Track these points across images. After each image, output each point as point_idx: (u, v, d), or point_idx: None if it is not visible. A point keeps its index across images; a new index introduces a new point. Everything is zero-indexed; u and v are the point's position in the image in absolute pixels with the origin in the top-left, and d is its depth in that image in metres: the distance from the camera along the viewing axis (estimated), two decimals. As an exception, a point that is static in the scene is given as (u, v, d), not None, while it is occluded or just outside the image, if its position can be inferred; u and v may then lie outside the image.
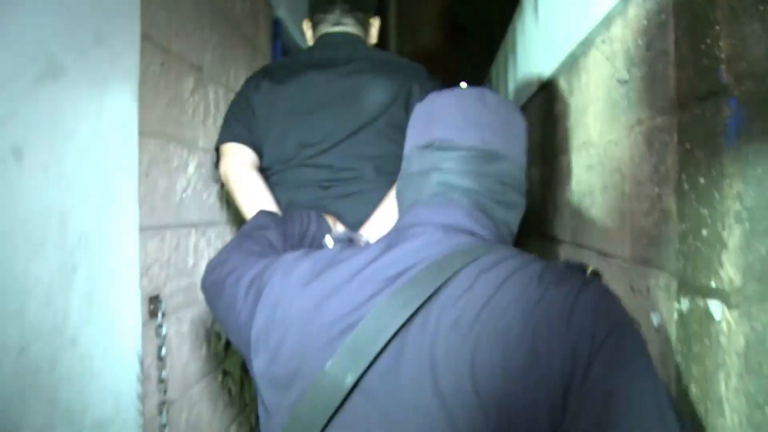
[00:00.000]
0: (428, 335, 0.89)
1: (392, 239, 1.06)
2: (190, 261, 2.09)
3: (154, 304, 1.78)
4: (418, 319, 0.91)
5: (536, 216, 2.27)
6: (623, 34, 1.26)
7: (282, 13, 3.36)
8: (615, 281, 1.30)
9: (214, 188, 2.29)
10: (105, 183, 1.51)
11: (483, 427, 0.81)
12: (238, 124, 2.05)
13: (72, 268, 1.37)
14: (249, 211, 1.94)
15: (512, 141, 1.17)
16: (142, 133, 1.69)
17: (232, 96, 2.43)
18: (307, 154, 1.98)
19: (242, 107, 2.07)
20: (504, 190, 1.13)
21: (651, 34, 1.11)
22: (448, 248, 1.00)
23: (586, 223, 1.60)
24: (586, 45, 1.56)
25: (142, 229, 1.70)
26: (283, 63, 2.25)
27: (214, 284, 1.24)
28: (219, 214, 2.34)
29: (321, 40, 2.12)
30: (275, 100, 2.00)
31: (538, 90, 2.18)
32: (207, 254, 2.22)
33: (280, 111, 2.00)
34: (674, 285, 0.99)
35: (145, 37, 1.70)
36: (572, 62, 1.72)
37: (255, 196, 1.98)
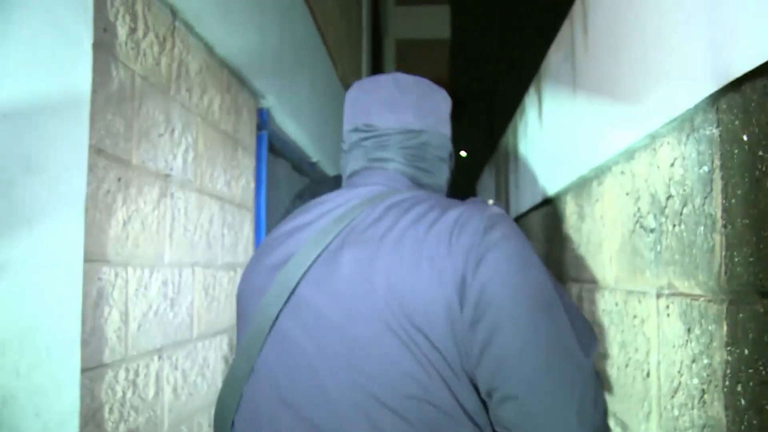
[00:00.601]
0: (342, 254, 1.06)
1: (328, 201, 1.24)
2: (151, 392, 1.84)
3: (99, 457, 1.53)
4: (334, 244, 1.09)
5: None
6: (649, 174, 1.06)
7: (269, 102, 3.19)
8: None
9: (184, 303, 2.06)
10: (43, 324, 1.29)
11: (387, 326, 0.97)
12: None
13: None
14: None
15: (428, 115, 1.29)
16: (90, 261, 1.48)
17: (206, 200, 2.23)
18: None
19: None
20: (425, 157, 1.28)
21: (689, 186, 0.90)
22: (367, 194, 1.19)
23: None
24: (601, 171, 1.36)
25: (87, 370, 1.47)
26: None
27: None
28: (189, 331, 2.10)
29: None
30: None
31: (542, 202, 1.98)
32: (173, 379, 1.98)
33: None
34: None
35: (97, 152, 1.51)
36: (583, 185, 1.52)
37: None
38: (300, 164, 4.12)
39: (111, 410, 1.61)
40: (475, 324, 0.92)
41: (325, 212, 1.18)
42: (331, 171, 5.25)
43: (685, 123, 0.93)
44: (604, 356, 1.37)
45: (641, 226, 1.13)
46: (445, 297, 0.94)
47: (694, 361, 0.88)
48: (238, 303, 1.26)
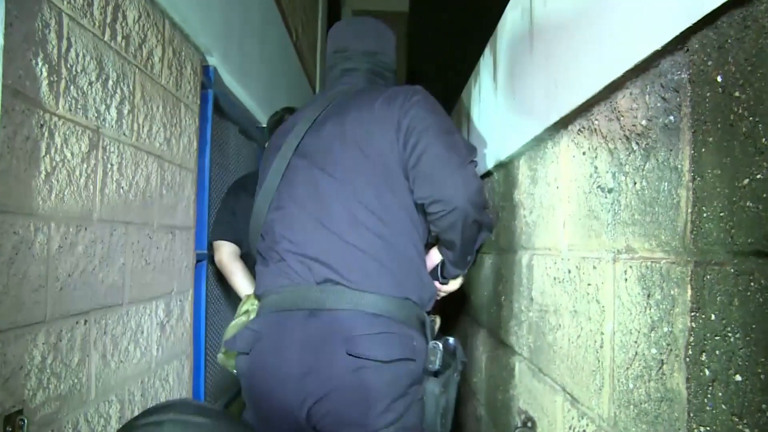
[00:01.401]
0: (325, 120, 1.82)
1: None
2: (75, 358, 1.72)
3: (11, 424, 1.41)
4: (321, 116, 1.85)
5: (487, 310, 1.98)
6: (609, 129, 0.99)
7: (215, 59, 3.04)
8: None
9: (115, 265, 1.94)
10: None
11: (355, 155, 1.70)
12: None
13: None
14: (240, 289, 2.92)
15: (383, 43, 2.04)
16: (4, 212, 1.35)
17: (143, 157, 2.10)
18: None
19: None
20: (382, 68, 2.00)
21: (653, 137, 0.83)
22: (342, 88, 1.93)
23: (549, 349, 1.31)
24: (555, 130, 1.29)
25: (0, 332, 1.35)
26: None
27: None
28: (120, 295, 1.98)
29: None
30: None
31: (494, 167, 1.91)
32: (101, 345, 1.86)
33: None
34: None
35: (13, 94, 1.37)
36: (537, 147, 1.45)
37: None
38: (248, 128, 3.97)
39: (27, 376, 1.49)
40: (407, 144, 1.61)
41: (315, 101, 1.95)
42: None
43: (650, 69, 0.86)
44: (555, 327, 1.31)
45: (598, 187, 1.06)
46: (389, 134, 1.65)
47: (652, 329, 0.82)
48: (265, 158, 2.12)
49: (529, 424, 1.49)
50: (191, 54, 2.65)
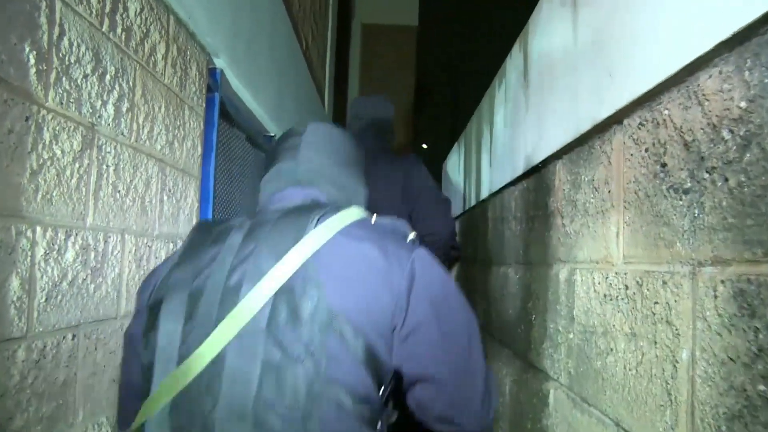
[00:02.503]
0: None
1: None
2: (61, 376, 1.56)
3: (-15, 453, 1.25)
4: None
5: (512, 330, 1.81)
6: (685, 118, 0.82)
7: (222, 62, 2.89)
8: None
9: (110, 275, 1.78)
10: None
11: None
12: None
13: None
14: None
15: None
16: (-18, 215, 1.20)
17: (143, 160, 1.95)
18: None
19: None
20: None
21: (757, 121, 0.67)
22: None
23: (596, 376, 1.14)
24: (606, 127, 1.12)
25: (-28, 350, 1.19)
26: None
27: None
28: (114, 307, 1.82)
29: None
30: None
31: (524, 174, 1.75)
32: (91, 361, 1.70)
33: None
34: None
35: (-4, 81, 1.22)
36: (581, 147, 1.29)
37: None
38: (256, 137, 3.83)
39: (3, 397, 1.33)
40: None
41: None
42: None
43: (751, 39, 0.70)
44: (605, 352, 1.14)
45: (670, 188, 0.90)
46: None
47: (757, 358, 0.65)
48: None
49: (570, 462, 1.32)
50: (197, 54, 2.51)
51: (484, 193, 2.44)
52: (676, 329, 0.87)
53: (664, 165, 0.93)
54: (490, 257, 2.39)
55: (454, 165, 3.67)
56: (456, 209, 3.51)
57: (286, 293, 1.11)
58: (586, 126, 1.20)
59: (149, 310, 1.31)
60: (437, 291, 1.18)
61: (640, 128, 1.01)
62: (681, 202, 0.87)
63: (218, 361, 1.11)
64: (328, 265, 1.14)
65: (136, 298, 1.47)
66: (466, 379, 1.18)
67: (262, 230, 1.27)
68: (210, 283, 1.22)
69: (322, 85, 8.07)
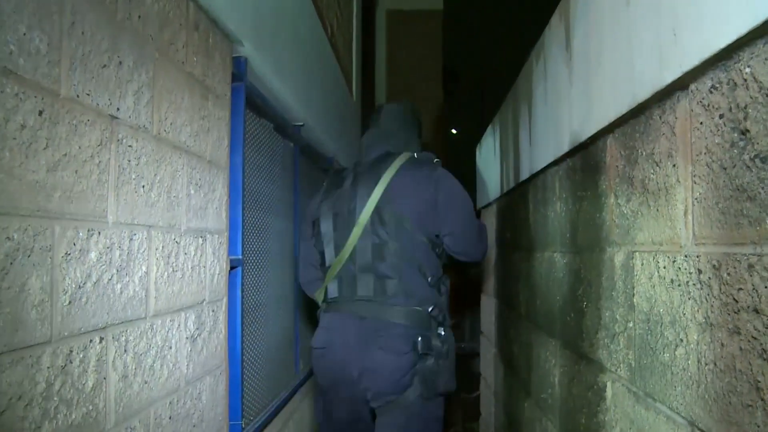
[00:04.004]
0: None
1: None
2: (90, 381, 1.49)
3: (8, 468, 1.18)
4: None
5: (560, 319, 1.70)
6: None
7: (247, 50, 2.80)
8: None
9: (136, 274, 1.71)
10: None
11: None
12: None
13: None
14: None
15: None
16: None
17: (167, 152, 1.88)
18: None
19: None
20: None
21: None
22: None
23: (664, 370, 1.03)
24: (669, 94, 1.01)
25: (-9, 358, 1.12)
26: None
27: None
28: (143, 307, 1.75)
29: None
30: None
31: (568, 152, 1.63)
32: (121, 364, 1.64)
33: None
34: None
35: (4, 73, 1.15)
36: (635, 119, 1.17)
37: None
38: (284, 126, 3.74)
39: (29, 406, 1.26)
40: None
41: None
42: (318, 136, 4.89)
43: None
44: (673, 343, 1.03)
45: (755, 157, 0.78)
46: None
47: None
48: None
49: (635, 463, 1.21)
50: (219, 42, 2.42)
51: (524, 175, 2.32)
52: (768, 319, 0.76)
53: (744, 132, 0.81)
54: (533, 243, 2.28)
55: (489, 148, 3.54)
56: (493, 193, 3.39)
57: (377, 208, 2.43)
58: (644, 94, 1.09)
59: (313, 223, 2.76)
60: (450, 189, 2.45)
61: (712, 92, 0.90)
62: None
63: (354, 246, 2.46)
64: (395, 188, 2.44)
65: (306, 218, 2.93)
66: (469, 231, 2.50)
67: (362, 176, 2.59)
68: (341, 209, 2.57)
69: (350, 73, 7.96)
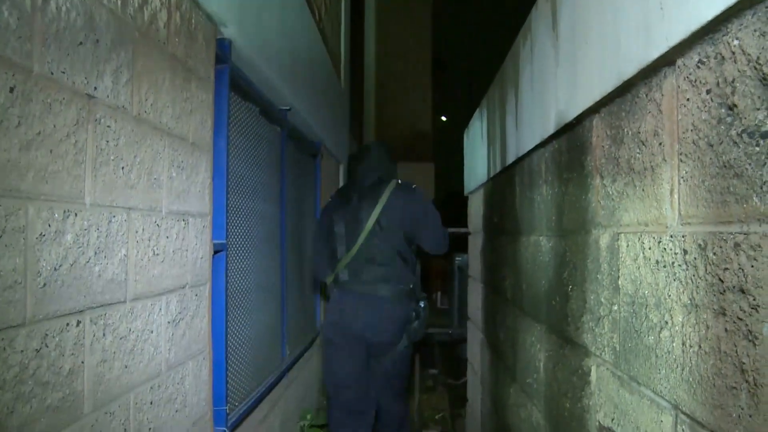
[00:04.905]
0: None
1: None
2: (66, 366, 1.47)
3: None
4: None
5: (545, 303, 1.68)
6: (762, 46, 0.68)
7: (231, 32, 2.76)
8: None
9: (116, 256, 1.67)
10: None
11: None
12: None
13: None
14: None
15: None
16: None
17: (147, 133, 1.84)
18: None
19: None
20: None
21: None
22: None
23: (649, 353, 1.01)
24: (655, 71, 0.98)
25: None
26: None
27: None
28: (122, 290, 1.72)
29: None
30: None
31: (555, 133, 1.61)
32: (99, 348, 1.61)
33: None
34: None
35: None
36: (621, 98, 1.14)
37: None
38: (270, 110, 3.70)
39: (2, 389, 1.23)
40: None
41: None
42: (305, 121, 4.85)
43: None
44: (658, 325, 1.02)
45: (743, 132, 0.76)
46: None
47: None
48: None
49: (619, 446, 1.19)
50: (203, 23, 2.37)
51: (511, 158, 2.30)
52: (754, 299, 0.74)
53: (732, 107, 0.79)
54: (519, 227, 2.26)
55: (476, 132, 3.52)
56: (480, 178, 3.37)
57: (377, 219, 3.41)
58: (630, 70, 1.06)
59: (328, 224, 3.69)
60: (426, 206, 3.51)
61: (699, 67, 0.87)
62: (758, 148, 0.73)
63: (360, 245, 3.46)
64: (389, 206, 3.46)
65: (321, 215, 3.92)
66: (436, 232, 3.58)
67: (364, 196, 3.56)
68: (351, 217, 3.54)
69: (338, 60, 7.90)
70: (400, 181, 3.69)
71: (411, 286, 3.59)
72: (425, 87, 14.29)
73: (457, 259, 5.77)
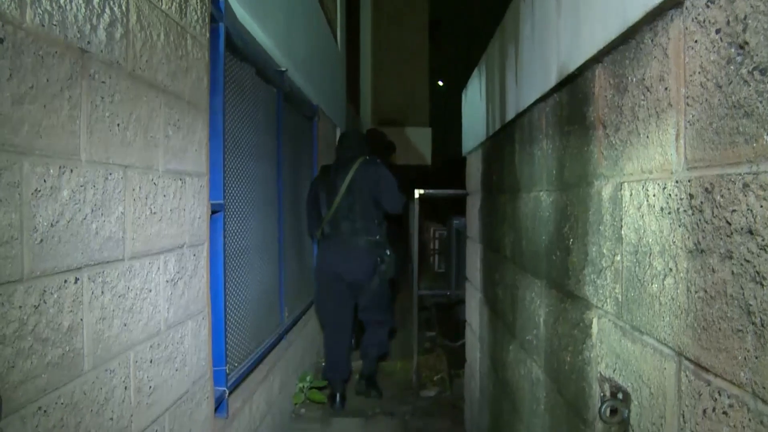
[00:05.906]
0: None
1: None
2: (65, 323, 1.46)
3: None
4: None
5: (546, 258, 1.67)
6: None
7: (225, -10, 2.72)
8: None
9: (113, 214, 1.66)
10: None
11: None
12: None
13: None
14: None
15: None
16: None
17: (143, 90, 1.82)
18: None
19: None
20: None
21: None
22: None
23: (652, 301, 1.01)
24: (661, 14, 0.96)
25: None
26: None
27: None
28: (120, 248, 1.71)
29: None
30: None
31: (556, 86, 1.58)
32: (98, 305, 1.60)
33: None
34: None
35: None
36: (625, 46, 1.12)
37: None
38: (266, 71, 3.66)
39: (1, 344, 1.23)
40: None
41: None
42: (301, 82, 4.82)
43: None
44: (662, 273, 1.01)
45: (754, 70, 0.74)
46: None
47: None
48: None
49: (620, 396, 1.19)
50: (196, -23, 2.33)
51: (510, 115, 2.27)
52: (762, 239, 0.73)
53: (743, 45, 0.77)
54: (519, 184, 2.24)
55: (475, 91, 3.48)
56: (479, 137, 3.34)
57: (349, 184, 4.52)
58: (636, 15, 1.04)
59: (315, 192, 4.77)
60: (385, 175, 4.57)
61: (708, 6, 0.85)
62: (768, 86, 0.71)
63: (337, 206, 4.54)
64: (357, 175, 4.54)
65: (310, 187, 4.93)
66: (393, 194, 4.58)
67: (340, 168, 4.62)
68: (330, 185, 4.59)
69: (334, 23, 7.81)
70: (367, 157, 4.72)
71: (377, 237, 4.64)
72: (422, 51, 14.15)
73: (455, 222, 5.77)
